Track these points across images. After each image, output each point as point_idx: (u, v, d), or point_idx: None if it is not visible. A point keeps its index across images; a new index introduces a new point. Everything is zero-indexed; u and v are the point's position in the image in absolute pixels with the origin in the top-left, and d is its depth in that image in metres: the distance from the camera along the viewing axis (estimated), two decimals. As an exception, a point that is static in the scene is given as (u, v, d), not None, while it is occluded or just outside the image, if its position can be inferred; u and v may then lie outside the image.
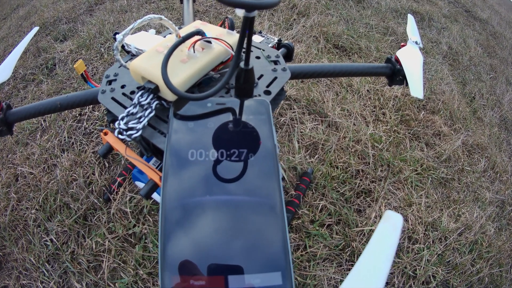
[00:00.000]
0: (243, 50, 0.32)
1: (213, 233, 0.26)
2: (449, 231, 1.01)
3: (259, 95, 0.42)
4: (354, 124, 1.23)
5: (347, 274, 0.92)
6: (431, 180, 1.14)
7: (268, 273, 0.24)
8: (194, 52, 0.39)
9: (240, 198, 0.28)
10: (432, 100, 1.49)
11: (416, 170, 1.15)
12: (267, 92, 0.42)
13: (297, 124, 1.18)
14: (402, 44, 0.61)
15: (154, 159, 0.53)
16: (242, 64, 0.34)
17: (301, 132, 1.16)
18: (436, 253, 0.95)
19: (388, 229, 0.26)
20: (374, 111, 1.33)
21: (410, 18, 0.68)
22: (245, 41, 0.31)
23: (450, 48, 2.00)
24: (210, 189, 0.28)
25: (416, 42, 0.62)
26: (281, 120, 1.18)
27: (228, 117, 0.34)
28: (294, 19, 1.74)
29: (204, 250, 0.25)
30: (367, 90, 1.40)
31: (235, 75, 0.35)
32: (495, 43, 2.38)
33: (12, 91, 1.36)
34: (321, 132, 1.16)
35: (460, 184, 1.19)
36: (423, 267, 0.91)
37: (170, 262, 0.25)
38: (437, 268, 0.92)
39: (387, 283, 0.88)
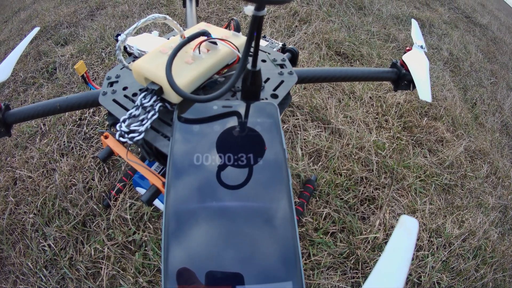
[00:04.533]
0: (251, 51, 0.31)
1: (220, 241, 0.25)
2: (453, 237, 1.00)
3: (266, 99, 0.41)
4: (357, 131, 1.22)
5: (352, 282, 0.90)
6: (434, 187, 1.13)
7: (279, 283, 0.23)
8: (199, 53, 0.38)
9: (247, 204, 0.27)
10: (434, 107, 1.48)
11: (419, 177, 1.14)
12: (274, 96, 0.41)
13: (300, 131, 1.17)
14: (407, 48, 0.61)
15: (156, 164, 0.52)
16: (249, 66, 0.33)
17: (304, 139, 1.15)
18: (441, 260, 0.94)
19: (404, 234, 0.26)
20: (377, 118, 1.32)
21: (414, 23, 0.68)
22: (253, 42, 0.30)
23: (451, 54, 2.01)
24: (216, 195, 0.27)
25: (421, 46, 0.62)
26: (284, 127, 1.17)
27: (235, 120, 0.33)
28: (296, 26, 1.74)
29: (211, 258, 0.24)
30: (370, 97, 1.40)
31: (242, 77, 0.34)
32: (495, 48, 2.39)
33: (12, 94, 1.36)
34: (324, 139, 1.15)
35: (463, 190, 1.18)
36: (428, 274, 0.90)
37: (174, 271, 0.23)
38: (441, 274, 0.91)
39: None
